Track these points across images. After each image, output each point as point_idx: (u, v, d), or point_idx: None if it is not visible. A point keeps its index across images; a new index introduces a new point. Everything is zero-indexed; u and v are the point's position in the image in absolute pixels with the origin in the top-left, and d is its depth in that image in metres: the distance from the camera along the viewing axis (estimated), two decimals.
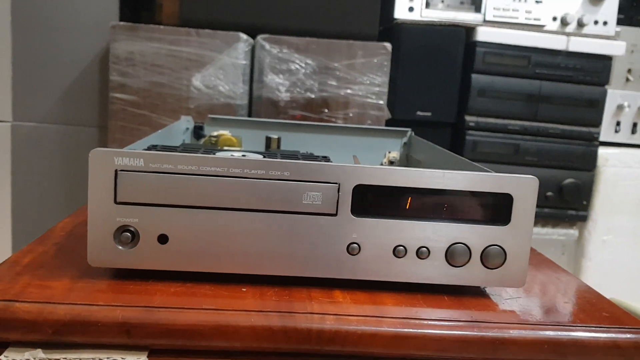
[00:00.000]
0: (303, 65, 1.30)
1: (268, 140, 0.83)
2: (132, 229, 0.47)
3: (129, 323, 0.43)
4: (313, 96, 1.30)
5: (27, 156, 1.38)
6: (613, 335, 0.46)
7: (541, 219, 1.44)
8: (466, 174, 0.49)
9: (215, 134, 0.80)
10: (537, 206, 1.41)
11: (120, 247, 0.47)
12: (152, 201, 0.47)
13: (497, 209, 0.49)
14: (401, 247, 0.49)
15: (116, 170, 0.46)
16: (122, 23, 1.26)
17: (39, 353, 0.42)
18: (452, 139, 1.41)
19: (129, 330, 0.43)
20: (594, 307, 0.51)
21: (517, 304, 0.50)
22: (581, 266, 1.43)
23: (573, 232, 1.45)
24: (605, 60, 1.39)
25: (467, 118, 1.38)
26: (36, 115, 1.37)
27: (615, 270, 1.45)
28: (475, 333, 0.45)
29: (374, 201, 0.49)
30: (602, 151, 1.43)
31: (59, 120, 1.38)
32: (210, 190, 0.47)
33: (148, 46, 1.27)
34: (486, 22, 1.36)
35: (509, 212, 0.49)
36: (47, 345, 0.43)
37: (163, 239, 0.47)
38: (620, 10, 1.42)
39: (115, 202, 0.47)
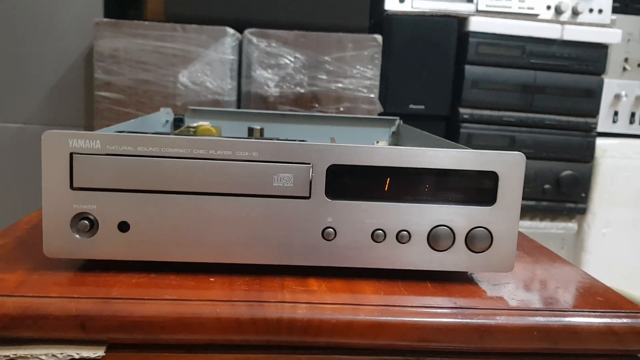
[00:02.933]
0: (292, 59, 1.27)
1: (250, 131, 0.80)
2: (90, 216, 0.44)
3: (84, 315, 0.39)
4: (303, 91, 1.27)
5: (13, 158, 1.35)
6: (608, 320, 0.43)
7: (539, 213, 1.41)
8: (448, 152, 0.45)
9: (194, 125, 0.77)
10: (535, 200, 1.38)
11: (77, 236, 0.44)
12: (111, 186, 0.44)
13: (481, 188, 0.46)
14: (380, 231, 0.46)
15: (71, 154, 0.43)
16: (105, 19, 1.23)
17: None
18: (446, 132, 1.38)
19: (84, 323, 0.39)
20: (588, 292, 0.47)
21: (505, 290, 0.47)
22: (581, 260, 1.40)
23: (572, 225, 1.42)
24: (601, 49, 1.36)
25: (461, 110, 1.35)
26: (21, 117, 1.35)
27: (615, 263, 1.41)
28: (459, 320, 0.42)
29: (349, 182, 0.45)
30: (600, 142, 1.40)
31: (44, 121, 1.35)
32: (173, 173, 0.44)
33: (133, 43, 1.24)
34: (479, 12, 1.33)
35: (495, 192, 0.46)
36: None
37: (124, 226, 0.44)
38: None
39: (72, 187, 0.43)
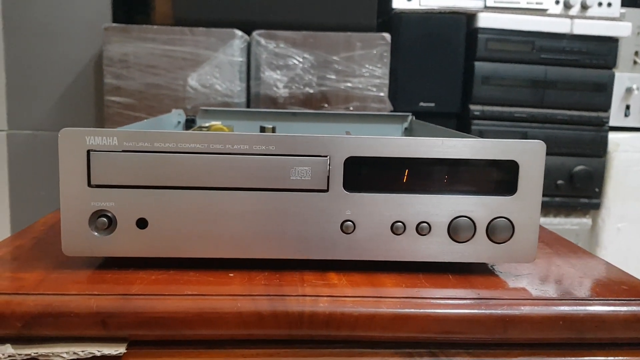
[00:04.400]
0: (300, 59, 1.27)
1: (262, 130, 0.80)
2: (108, 213, 0.44)
3: (104, 312, 0.39)
4: (312, 91, 1.27)
5: (24, 164, 1.35)
6: (634, 308, 0.42)
7: (553, 209, 1.40)
8: (467, 141, 0.45)
9: (206, 124, 0.77)
10: (549, 196, 1.37)
11: (96, 234, 0.44)
12: (129, 183, 0.44)
13: (502, 178, 0.45)
14: (399, 224, 0.45)
15: (88, 151, 0.43)
16: (114, 25, 1.24)
17: (8, 348, 0.39)
18: (457, 129, 1.37)
19: (105, 320, 0.39)
20: (612, 281, 0.47)
21: (528, 281, 0.46)
22: (596, 255, 1.39)
23: (586, 220, 1.41)
24: (611, 43, 1.35)
25: (472, 107, 1.34)
26: (32, 123, 1.35)
27: (631, 258, 1.40)
28: (483, 311, 0.41)
29: (368, 174, 0.45)
30: (612, 136, 1.38)
31: (55, 126, 1.36)
32: (191, 168, 0.44)
33: (142, 47, 1.24)
34: (487, 8, 1.33)
35: (515, 181, 0.45)
36: (17, 340, 0.39)
37: (142, 223, 0.44)
38: None
39: (89, 185, 0.43)
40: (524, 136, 1.34)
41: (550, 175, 1.36)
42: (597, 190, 1.38)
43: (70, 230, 0.44)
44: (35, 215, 1.35)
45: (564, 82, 1.35)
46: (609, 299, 0.43)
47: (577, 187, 1.37)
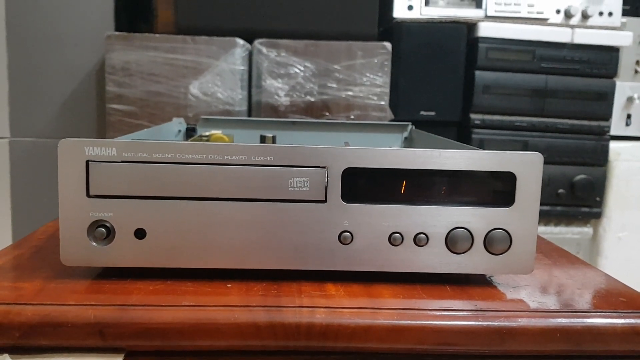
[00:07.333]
0: (302, 68, 1.27)
1: (262, 139, 0.80)
2: (106, 224, 0.44)
3: (102, 323, 0.39)
4: (313, 99, 1.28)
5: (26, 172, 1.36)
6: (632, 320, 0.42)
7: (554, 218, 1.40)
8: (464, 153, 0.45)
9: (206, 133, 0.78)
10: (549, 205, 1.37)
11: (94, 244, 0.44)
12: (127, 193, 0.44)
13: (499, 189, 0.45)
14: (397, 235, 0.45)
15: (87, 161, 0.43)
16: (117, 33, 1.24)
17: (6, 358, 0.39)
18: (458, 138, 1.38)
19: (102, 330, 0.39)
20: (610, 293, 0.47)
21: (525, 292, 0.46)
22: (597, 264, 1.38)
23: (587, 230, 1.40)
24: (612, 52, 1.35)
25: (473, 116, 1.34)
26: (34, 130, 1.35)
27: (632, 267, 1.39)
28: (480, 323, 0.41)
29: (365, 185, 0.45)
30: (613, 145, 1.38)
31: (57, 134, 1.36)
32: (189, 179, 0.44)
33: (144, 55, 1.25)
34: (488, 18, 1.33)
35: (513, 193, 0.45)
36: (15, 350, 0.39)
37: (140, 233, 0.44)
38: (625, 1, 1.38)
39: (88, 195, 0.43)
40: (525, 145, 1.34)
41: (551, 184, 1.36)
42: (598, 199, 1.38)
43: (69, 240, 0.44)
44: (37, 222, 1.35)
45: (565, 91, 1.35)
46: (607, 311, 0.43)
47: (578, 196, 1.37)
